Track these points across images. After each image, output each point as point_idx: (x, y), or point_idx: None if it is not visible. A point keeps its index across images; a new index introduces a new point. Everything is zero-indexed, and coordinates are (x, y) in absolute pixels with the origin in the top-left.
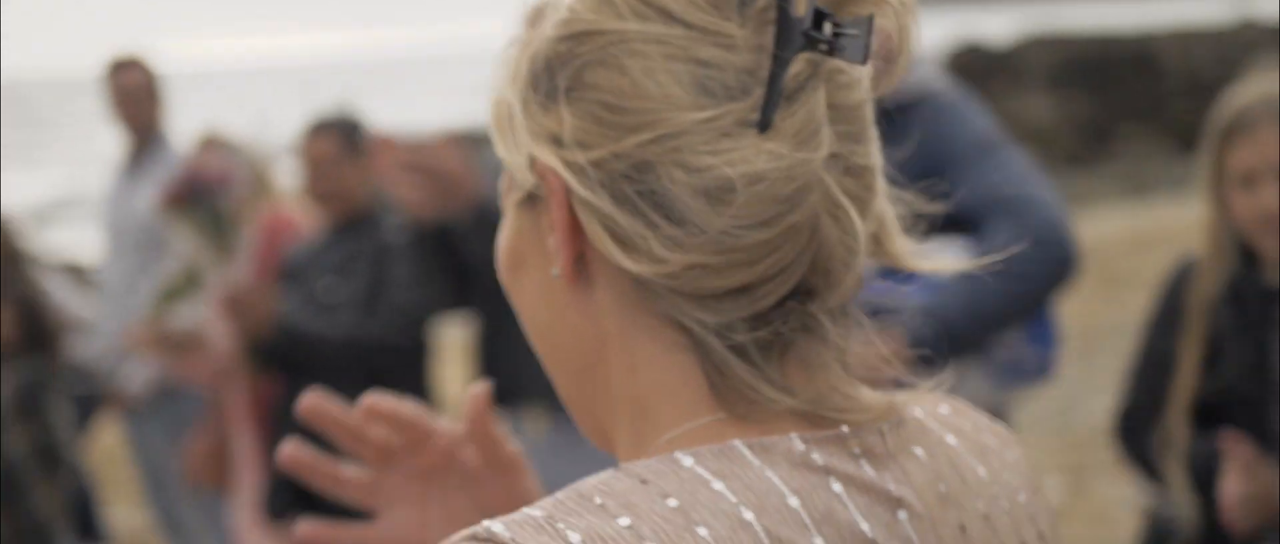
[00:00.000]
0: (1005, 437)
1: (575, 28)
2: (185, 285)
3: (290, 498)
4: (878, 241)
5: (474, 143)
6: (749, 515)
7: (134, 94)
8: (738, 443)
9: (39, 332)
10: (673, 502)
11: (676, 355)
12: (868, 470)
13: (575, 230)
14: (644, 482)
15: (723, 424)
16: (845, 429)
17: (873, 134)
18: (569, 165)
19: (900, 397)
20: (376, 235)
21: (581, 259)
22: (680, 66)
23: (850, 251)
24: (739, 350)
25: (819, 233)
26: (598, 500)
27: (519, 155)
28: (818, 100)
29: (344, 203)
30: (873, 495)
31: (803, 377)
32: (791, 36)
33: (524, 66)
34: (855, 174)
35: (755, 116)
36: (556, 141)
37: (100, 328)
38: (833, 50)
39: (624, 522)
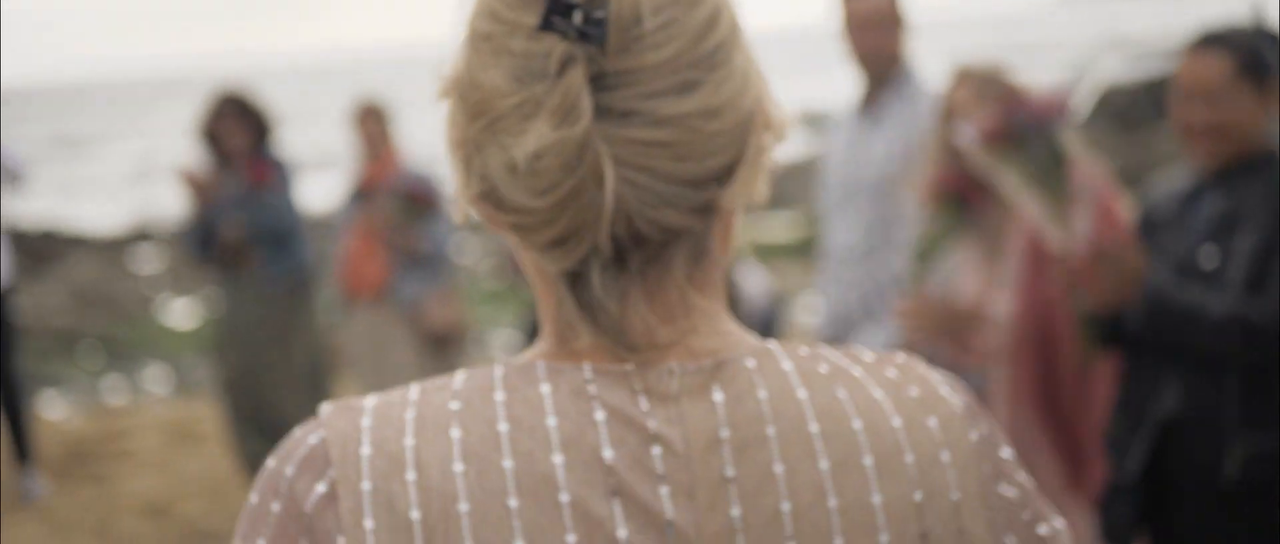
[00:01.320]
0: (947, 422)
1: (462, 32)
2: (939, 241)
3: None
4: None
5: None
6: (503, 427)
7: (872, 20)
8: (541, 364)
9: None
10: (455, 404)
11: (550, 299)
12: (641, 406)
13: None
14: (456, 383)
15: (551, 353)
16: (630, 368)
17: (697, 79)
18: (450, 145)
19: (770, 345)
20: (1270, 186)
21: None
22: (505, 58)
23: (644, 204)
24: (578, 293)
25: (605, 192)
26: (414, 394)
27: None
28: (572, 79)
29: (1232, 143)
30: (631, 429)
31: (636, 316)
32: (547, 23)
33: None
34: (665, 124)
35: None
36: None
37: (828, 295)
38: (581, 36)
39: (409, 414)
